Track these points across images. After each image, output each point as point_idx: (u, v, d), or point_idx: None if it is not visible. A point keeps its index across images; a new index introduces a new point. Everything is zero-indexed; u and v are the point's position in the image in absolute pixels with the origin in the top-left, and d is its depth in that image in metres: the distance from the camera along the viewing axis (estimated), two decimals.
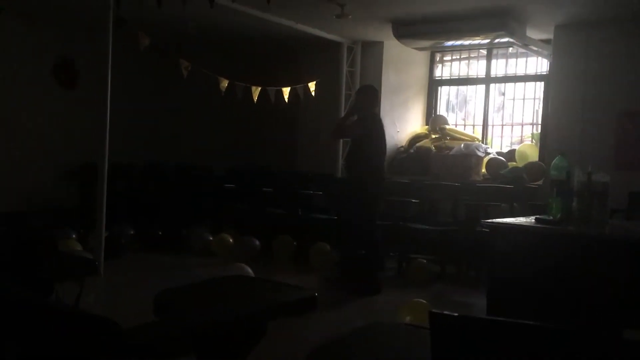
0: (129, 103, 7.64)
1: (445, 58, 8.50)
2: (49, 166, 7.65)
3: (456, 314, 1.22)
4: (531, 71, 7.78)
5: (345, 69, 8.04)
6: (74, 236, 6.39)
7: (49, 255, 3.40)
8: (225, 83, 6.92)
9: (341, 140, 8.06)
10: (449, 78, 8.48)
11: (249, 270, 5.02)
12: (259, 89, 7.26)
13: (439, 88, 8.56)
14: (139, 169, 8.16)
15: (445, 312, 1.21)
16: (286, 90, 7.54)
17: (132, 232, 7.03)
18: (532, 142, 7.73)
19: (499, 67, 8.03)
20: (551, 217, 3.29)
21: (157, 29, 6.45)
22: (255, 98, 7.24)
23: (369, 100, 5.46)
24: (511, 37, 6.56)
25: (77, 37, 7.24)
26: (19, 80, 7.26)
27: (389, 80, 8.13)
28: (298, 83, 7.71)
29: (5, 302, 2.03)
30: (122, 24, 5.59)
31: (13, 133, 7.33)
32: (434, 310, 1.21)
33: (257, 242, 6.70)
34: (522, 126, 7.97)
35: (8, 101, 7.23)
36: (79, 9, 6.66)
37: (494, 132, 8.13)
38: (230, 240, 6.82)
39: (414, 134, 8.29)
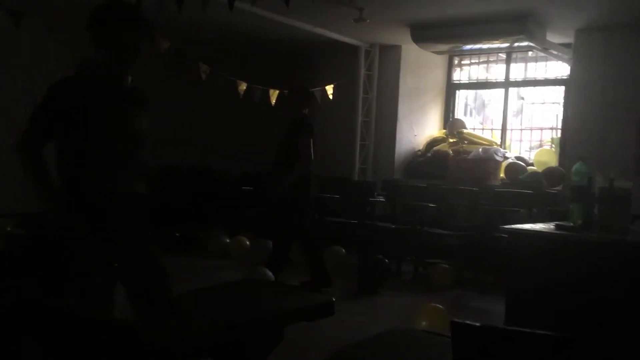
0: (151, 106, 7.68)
1: (463, 62, 8.45)
2: None
3: (478, 324, 1.20)
4: (551, 75, 7.70)
5: (363, 72, 8.03)
6: None
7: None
8: (243, 86, 6.95)
9: (358, 145, 8.06)
10: (467, 82, 8.43)
11: (270, 274, 5.02)
12: (277, 92, 7.28)
13: (457, 92, 8.51)
14: (156, 171, 8.21)
15: (467, 322, 1.20)
16: None
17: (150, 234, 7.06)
18: (551, 146, 7.65)
19: (518, 70, 7.96)
20: (572, 224, 3.25)
21: (176, 32, 6.49)
22: (273, 101, 7.26)
23: (300, 101, 5.35)
24: (531, 41, 6.50)
25: None
26: (42, 83, 7.34)
27: (406, 84, 8.10)
28: (315, 86, 7.71)
29: (25, 304, 2.05)
30: None
31: None
32: (455, 320, 1.20)
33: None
34: (542, 131, 7.89)
35: (31, 105, 7.31)
36: None
37: (512, 137, 8.06)
38: (247, 242, 6.83)
39: (431, 138, 8.25)
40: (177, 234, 7.20)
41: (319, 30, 7.11)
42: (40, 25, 5.94)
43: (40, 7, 6.18)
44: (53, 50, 7.14)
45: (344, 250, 6.32)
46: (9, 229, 6.19)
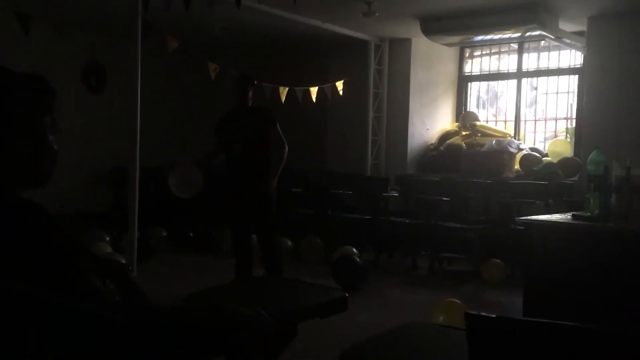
0: (159, 106, 7.70)
1: (474, 53, 8.36)
2: (81, 170, 7.76)
3: (493, 316, 1.17)
4: (564, 64, 7.59)
5: (373, 67, 7.98)
6: (107, 239, 6.46)
7: (83, 259, 3.43)
8: None
9: (369, 140, 8.00)
10: (479, 74, 8.35)
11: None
12: (287, 89, 7.25)
13: (469, 84, 8.43)
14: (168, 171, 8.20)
15: (482, 314, 1.16)
16: (314, 90, 7.52)
17: (164, 234, 7.09)
18: (566, 137, 7.55)
19: (530, 60, 7.86)
20: (589, 214, 3.19)
21: (185, 32, 6.49)
22: (283, 98, 7.23)
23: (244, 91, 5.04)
24: (543, 30, 6.41)
25: (106, 42, 7.34)
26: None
27: (417, 78, 8.04)
28: (325, 82, 7.68)
29: (41, 305, 2.04)
30: (149, 29, 5.65)
31: None
32: (470, 312, 1.16)
33: (289, 243, 6.67)
34: (556, 121, 7.79)
35: None
36: (107, 14, 6.74)
37: (526, 128, 7.97)
38: None
39: (444, 131, 8.19)
40: (191, 233, 7.21)
41: (327, 26, 7.06)
42: (47, 26, 5.97)
43: (47, 10, 6.21)
44: (60, 51, 7.17)
45: (354, 249, 6.20)
46: None
